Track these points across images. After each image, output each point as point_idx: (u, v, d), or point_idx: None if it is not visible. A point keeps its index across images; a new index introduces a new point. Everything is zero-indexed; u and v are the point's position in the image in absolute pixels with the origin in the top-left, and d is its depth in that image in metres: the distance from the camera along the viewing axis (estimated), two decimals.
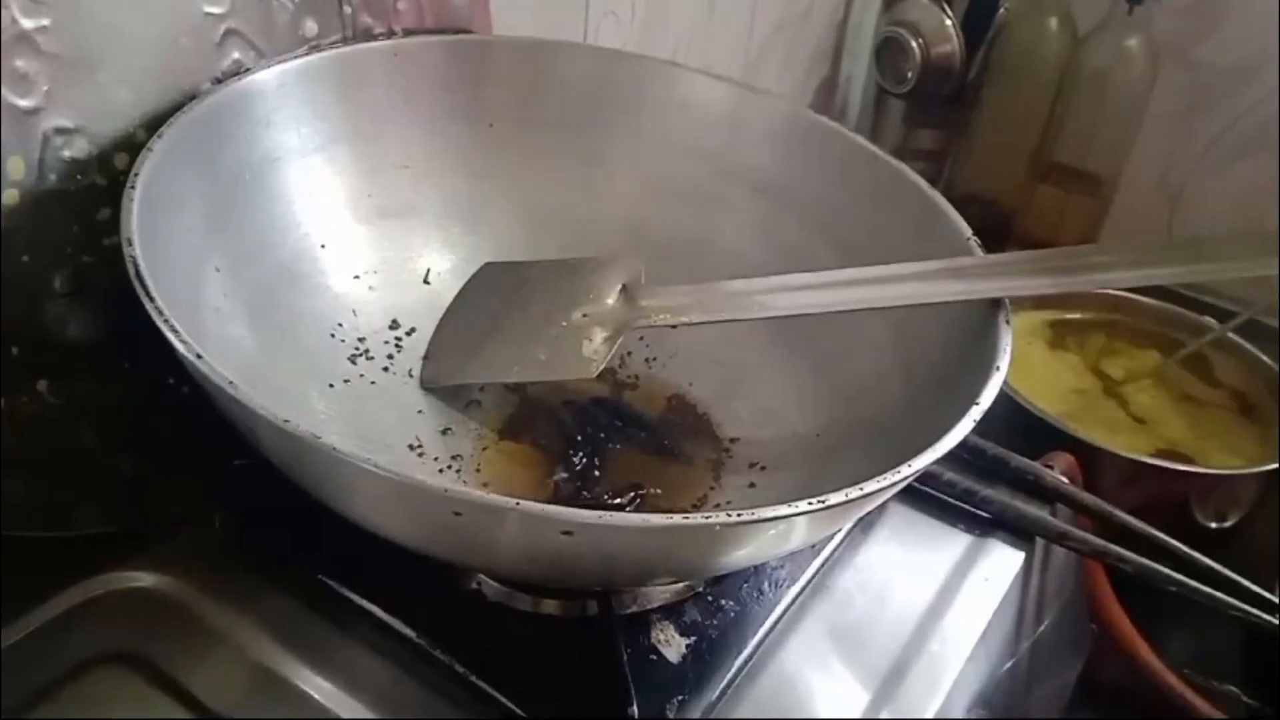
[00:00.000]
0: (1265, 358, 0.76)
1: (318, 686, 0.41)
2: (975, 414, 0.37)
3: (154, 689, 0.40)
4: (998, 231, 1.02)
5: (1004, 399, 0.68)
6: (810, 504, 0.32)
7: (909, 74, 0.92)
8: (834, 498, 0.32)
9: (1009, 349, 0.40)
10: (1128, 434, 0.72)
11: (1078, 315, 0.82)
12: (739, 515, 0.31)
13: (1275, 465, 0.68)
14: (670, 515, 0.31)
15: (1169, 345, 0.79)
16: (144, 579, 0.43)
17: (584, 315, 0.48)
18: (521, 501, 0.30)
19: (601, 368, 0.47)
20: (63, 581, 0.42)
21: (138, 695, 0.40)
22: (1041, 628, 0.54)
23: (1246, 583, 0.50)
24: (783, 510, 0.31)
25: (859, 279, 0.45)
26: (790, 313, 0.46)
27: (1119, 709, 0.63)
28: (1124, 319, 0.82)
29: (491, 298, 0.50)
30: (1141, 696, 0.60)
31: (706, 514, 0.31)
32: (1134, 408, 0.74)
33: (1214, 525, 0.70)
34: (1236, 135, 0.93)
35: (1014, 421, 0.69)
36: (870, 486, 0.33)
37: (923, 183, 0.48)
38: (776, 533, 0.34)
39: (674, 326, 0.47)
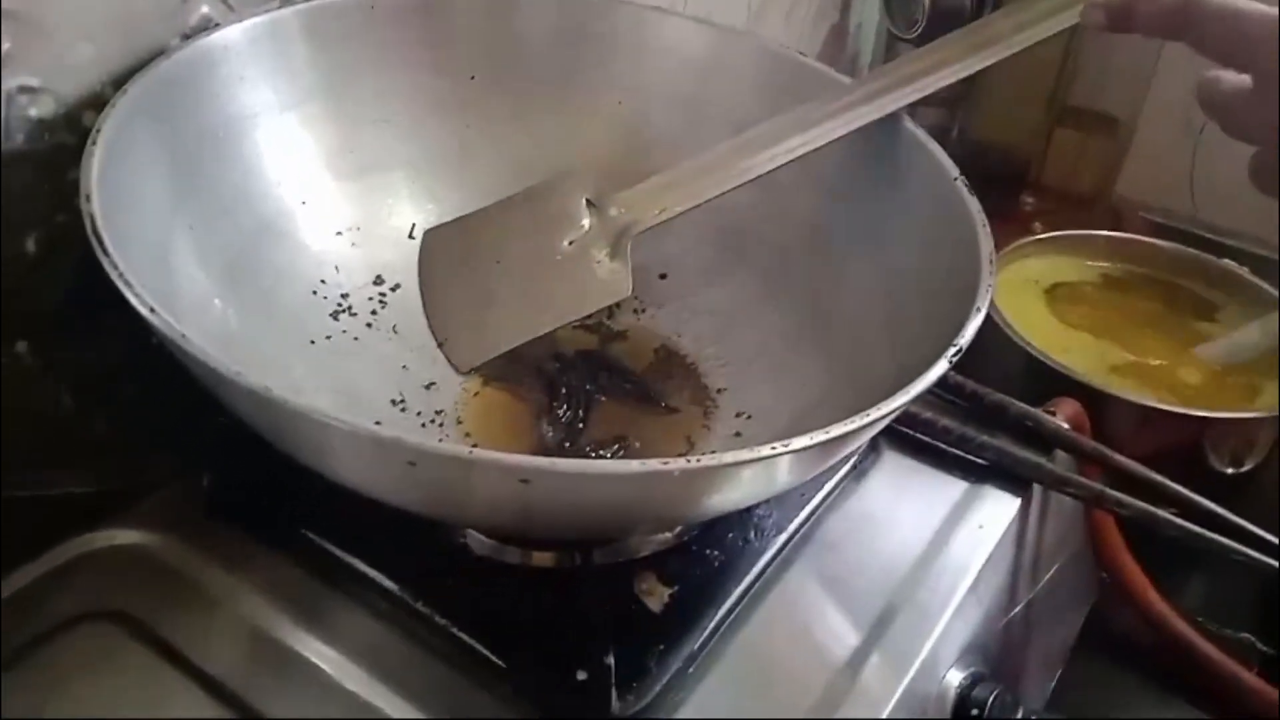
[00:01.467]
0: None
1: (304, 642, 0.41)
2: (951, 354, 0.36)
3: (139, 644, 0.40)
4: (1014, 177, 1.00)
5: (1013, 347, 0.68)
6: (774, 449, 0.31)
7: (918, 18, 0.90)
8: (797, 442, 0.31)
9: (990, 290, 0.39)
10: (1137, 380, 0.70)
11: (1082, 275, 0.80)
12: (698, 461, 0.30)
13: None
14: (626, 462, 0.30)
15: (1177, 292, 0.77)
16: (128, 537, 0.43)
17: (570, 244, 0.48)
18: (474, 449, 0.29)
19: (630, 283, 0.47)
20: (48, 540, 0.43)
21: (124, 651, 0.40)
22: (1044, 579, 0.53)
23: (1250, 526, 0.48)
24: (744, 455, 0.31)
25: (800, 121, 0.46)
26: (766, 169, 0.46)
27: (1129, 658, 0.62)
28: (1131, 267, 0.80)
29: (457, 262, 0.50)
30: (1154, 645, 0.59)
31: (665, 460, 0.30)
32: (1144, 355, 0.72)
33: (1230, 471, 0.68)
34: None
35: (1024, 370, 0.68)
36: (836, 430, 0.32)
37: (908, 121, 0.47)
38: (748, 477, 0.34)
39: (670, 218, 0.47)
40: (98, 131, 0.38)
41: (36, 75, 0.40)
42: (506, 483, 0.30)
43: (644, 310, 0.53)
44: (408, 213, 0.52)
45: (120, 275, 0.32)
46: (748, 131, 0.47)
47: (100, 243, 0.33)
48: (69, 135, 0.41)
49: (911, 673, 0.42)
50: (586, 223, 0.47)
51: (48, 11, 0.39)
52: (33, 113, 0.40)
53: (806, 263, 0.48)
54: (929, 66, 0.48)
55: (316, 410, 0.29)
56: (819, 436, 0.31)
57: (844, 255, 0.48)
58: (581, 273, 0.47)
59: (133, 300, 0.32)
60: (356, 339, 0.48)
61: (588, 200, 0.48)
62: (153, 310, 0.31)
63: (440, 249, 0.50)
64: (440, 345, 0.49)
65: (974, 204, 0.43)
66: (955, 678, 0.44)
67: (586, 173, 0.49)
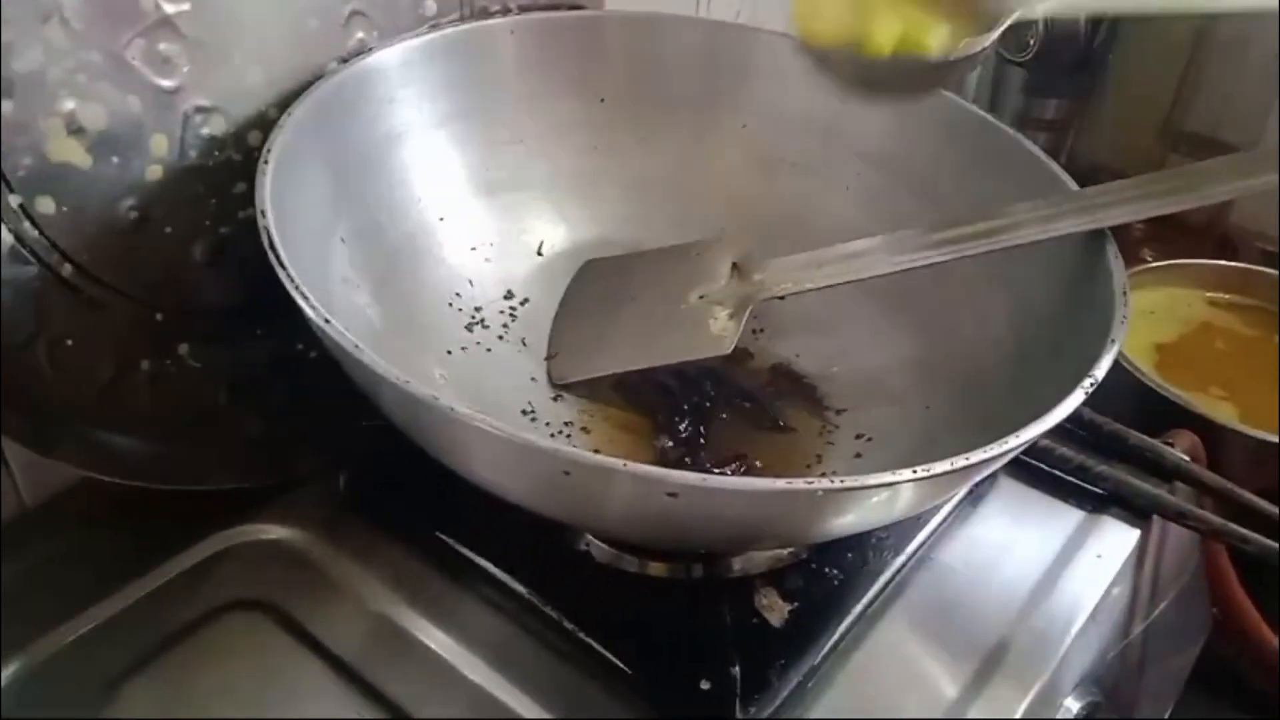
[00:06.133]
0: None
1: (432, 635, 0.43)
2: (1087, 385, 0.36)
3: (282, 632, 0.43)
4: None
5: (1127, 376, 0.67)
6: (915, 472, 0.32)
7: (1030, 41, 0.89)
8: (938, 467, 0.32)
9: (1125, 322, 0.39)
10: (1250, 412, 0.68)
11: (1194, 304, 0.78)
12: (841, 482, 0.31)
13: None
14: (773, 480, 0.31)
15: None
16: (273, 532, 0.46)
17: (700, 297, 0.49)
18: (629, 462, 0.31)
19: (734, 344, 0.48)
20: (199, 533, 0.45)
21: (268, 637, 0.43)
22: (1158, 609, 0.53)
23: None
24: (886, 478, 0.32)
25: (970, 233, 0.45)
26: (909, 266, 0.46)
27: (1239, 694, 0.61)
28: (1243, 298, 0.78)
29: (601, 292, 0.52)
30: (1264, 682, 0.58)
31: (809, 479, 0.31)
32: (1256, 387, 0.71)
33: None
34: None
35: (1138, 400, 0.67)
36: (976, 457, 0.33)
37: (1034, 148, 0.48)
38: (879, 500, 0.34)
39: (798, 294, 0.48)
40: (268, 151, 0.40)
41: (212, 97, 0.43)
42: (654, 495, 0.32)
43: (763, 331, 0.54)
44: (538, 230, 0.54)
45: (297, 288, 0.34)
46: (902, 231, 0.47)
47: (278, 256, 0.35)
48: (235, 152, 0.44)
49: (1029, 699, 0.42)
50: (724, 282, 0.49)
51: (227, 38, 0.42)
52: (205, 131, 0.43)
53: (932, 291, 0.48)
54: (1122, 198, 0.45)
55: (480, 418, 0.31)
56: (959, 462, 0.32)
57: (971, 284, 0.48)
58: (697, 324, 0.49)
59: (308, 311, 0.34)
60: (489, 350, 0.50)
61: (734, 263, 0.50)
62: (327, 321, 0.33)
63: (592, 277, 0.53)
64: (548, 358, 0.51)
65: (1106, 234, 0.43)
66: (1073, 706, 0.45)
67: (744, 239, 0.50)
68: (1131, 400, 0.67)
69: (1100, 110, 0.93)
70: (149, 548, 0.44)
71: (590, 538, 0.45)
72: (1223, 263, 0.80)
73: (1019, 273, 0.46)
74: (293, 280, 0.34)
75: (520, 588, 0.43)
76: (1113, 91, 0.91)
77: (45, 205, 0.39)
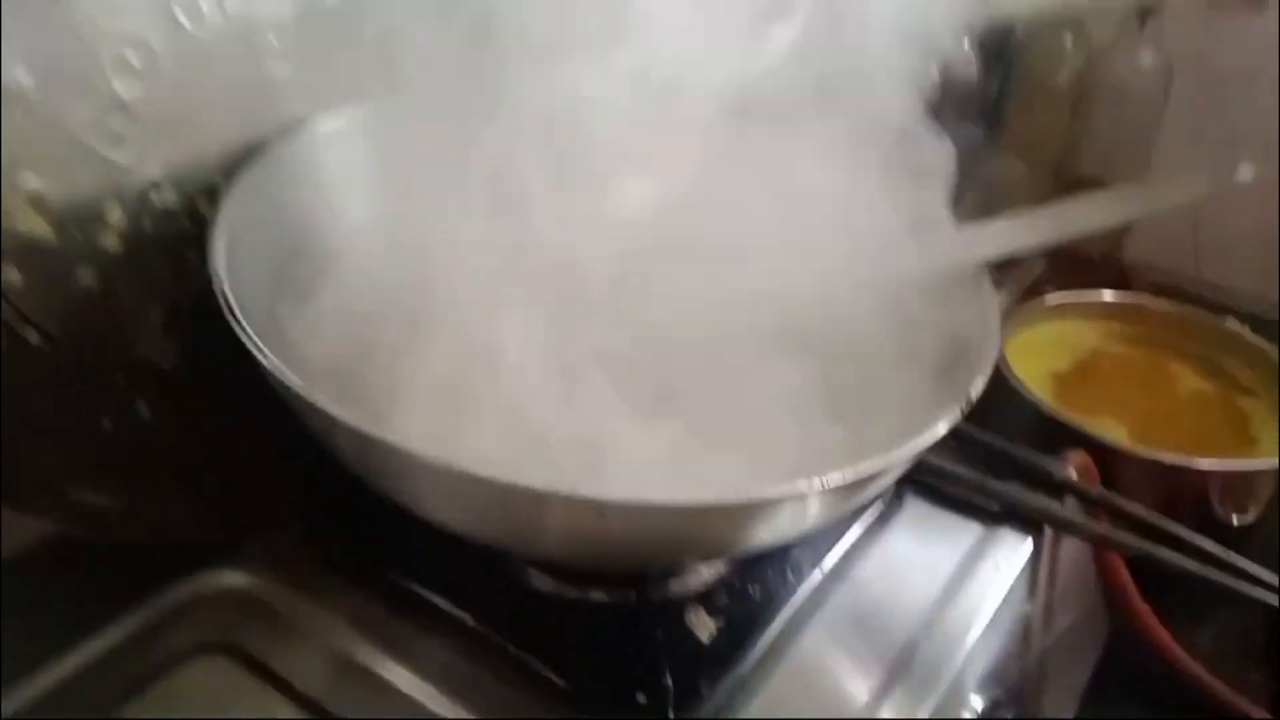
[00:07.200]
0: (1276, 352, 0.79)
1: (391, 670, 0.46)
2: (962, 406, 0.40)
3: (248, 675, 0.46)
4: None
5: (1026, 403, 0.72)
6: (812, 483, 0.36)
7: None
8: (832, 479, 0.36)
9: (996, 345, 0.44)
10: (1142, 433, 0.74)
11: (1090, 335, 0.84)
12: (747, 496, 0.35)
13: None
14: (687, 496, 0.35)
15: (1181, 350, 0.82)
16: (235, 579, 0.49)
17: None
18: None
19: None
20: (164, 583, 0.48)
21: (235, 680, 0.46)
22: (1056, 614, 0.57)
23: (1248, 565, 0.53)
24: (784, 490, 0.36)
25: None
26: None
27: (1142, 694, 0.66)
28: (1137, 327, 0.84)
29: None
30: (1164, 684, 0.63)
31: (721, 494, 0.35)
32: (1149, 410, 0.77)
33: (1235, 522, 0.72)
34: (1254, 137, 0.96)
35: (1037, 424, 0.72)
36: (865, 470, 0.37)
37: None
38: (788, 511, 0.38)
39: None
40: (218, 216, 0.44)
41: (164, 170, 0.46)
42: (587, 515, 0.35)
43: None
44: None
45: (252, 340, 0.38)
46: None
47: (234, 315, 0.39)
48: (187, 221, 0.47)
49: (936, 698, 0.46)
50: None
51: (178, 117, 0.46)
52: (158, 203, 0.46)
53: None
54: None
55: (426, 452, 0.35)
56: (849, 475, 0.36)
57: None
58: None
59: (262, 361, 0.37)
60: None
61: None
62: (278, 367, 0.37)
63: None
64: None
65: (984, 270, 0.48)
66: (978, 704, 0.49)
67: None
68: (1032, 425, 0.72)
69: (998, 161, 0.99)
70: (116, 597, 0.47)
71: (532, 570, 0.48)
72: (1111, 295, 0.86)
73: (906, 308, 0.51)
74: (249, 335, 0.38)
75: (470, 619, 0.47)
76: (1009, 143, 0.98)
77: (11, 275, 0.42)
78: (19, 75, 0.41)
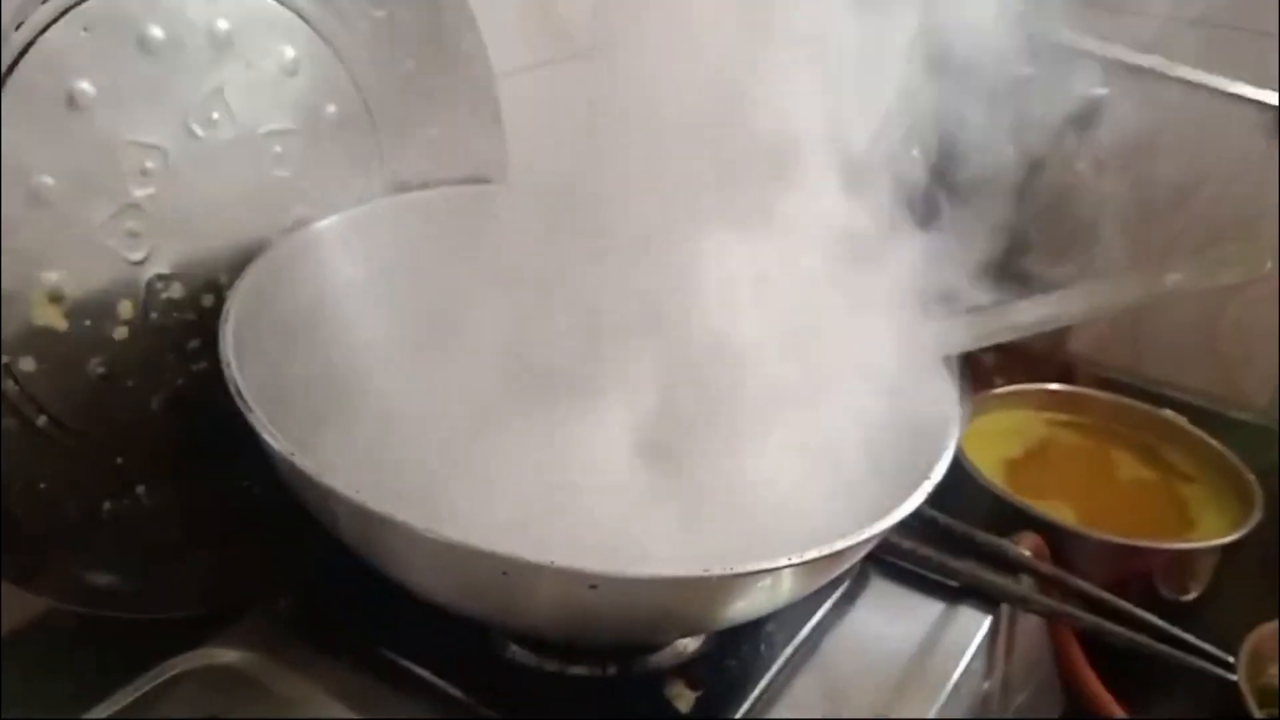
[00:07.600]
0: (1212, 441, 0.83)
1: None
2: (926, 488, 0.44)
3: None
4: None
5: (980, 488, 0.76)
6: (789, 559, 0.39)
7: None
8: (810, 553, 0.39)
9: (956, 433, 0.47)
10: (1088, 515, 0.78)
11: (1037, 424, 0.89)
12: (731, 569, 0.38)
13: (1228, 539, 0.74)
14: (675, 569, 0.38)
15: (1124, 440, 0.87)
16: (224, 655, 0.50)
17: None
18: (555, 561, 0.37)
19: None
20: (155, 659, 0.49)
21: None
22: (1013, 687, 0.60)
23: (1192, 638, 0.56)
24: (764, 564, 0.39)
25: None
26: None
27: None
28: (1080, 418, 0.89)
29: None
30: None
31: (705, 568, 0.38)
32: (1093, 493, 0.80)
33: (1180, 599, 0.76)
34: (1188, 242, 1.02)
35: (992, 507, 0.75)
36: (839, 545, 0.40)
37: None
38: (763, 586, 0.41)
39: None
40: (228, 310, 0.47)
41: (172, 266, 0.49)
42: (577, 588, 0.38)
43: None
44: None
45: (265, 427, 0.40)
46: None
47: (245, 402, 0.41)
48: (191, 313, 0.50)
49: None
50: None
51: (186, 216, 0.49)
52: (165, 296, 0.49)
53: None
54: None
55: (426, 528, 0.37)
56: (825, 550, 0.39)
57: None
58: None
59: (274, 446, 0.40)
60: None
61: None
62: (292, 454, 0.39)
63: None
64: None
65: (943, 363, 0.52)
66: None
67: None
68: (986, 508, 0.75)
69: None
70: (109, 672, 0.48)
71: (514, 645, 0.50)
72: (1057, 387, 0.91)
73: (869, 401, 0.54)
74: (262, 423, 0.40)
75: (456, 692, 0.48)
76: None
77: (27, 364, 0.44)
78: (44, 179, 0.44)
